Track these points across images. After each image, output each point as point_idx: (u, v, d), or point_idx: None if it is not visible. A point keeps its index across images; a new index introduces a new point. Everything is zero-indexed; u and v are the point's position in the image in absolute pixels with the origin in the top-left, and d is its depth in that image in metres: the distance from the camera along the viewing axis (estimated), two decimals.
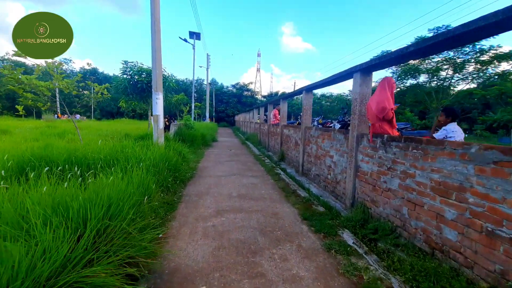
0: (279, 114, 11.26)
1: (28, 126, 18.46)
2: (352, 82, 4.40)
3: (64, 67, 51.73)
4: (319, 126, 9.57)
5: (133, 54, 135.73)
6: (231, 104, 48.36)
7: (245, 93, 51.42)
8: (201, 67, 26.31)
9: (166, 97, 9.98)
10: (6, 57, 42.21)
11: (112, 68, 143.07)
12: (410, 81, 22.31)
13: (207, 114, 26.46)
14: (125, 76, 9.03)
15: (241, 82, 52.86)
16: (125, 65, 8.82)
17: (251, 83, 53.72)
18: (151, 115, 8.76)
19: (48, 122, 21.57)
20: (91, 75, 47.76)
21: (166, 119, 12.24)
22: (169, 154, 5.71)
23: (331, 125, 8.25)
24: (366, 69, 4.08)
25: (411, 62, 18.85)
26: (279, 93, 55.58)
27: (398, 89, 23.04)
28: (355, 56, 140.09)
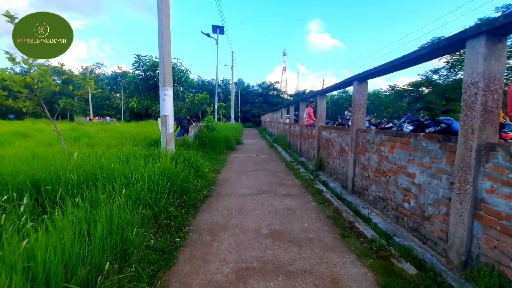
0: (314, 113, 9.52)
1: (51, 129, 18.67)
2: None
3: (97, 71, 54.29)
4: (372, 127, 7.73)
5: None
6: (257, 104, 47.04)
7: (271, 92, 49.78)
8: (225, 65, 25.30)
9: (183, 95, 8.75)
10: (46, 64, 45.00)
11: None
12: None
13: (232, 115, 25.33)
14: (137, 72, 7.94)
15: (267, 81, 51.36)
16: (137, 59, 7.73)
17: (278, 82, 52.01)
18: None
19: (76, 125, 21.84)
20: (122, 78, 49.45)
21: (188, 120, 11.09)
22: (176, 169, 4.31)
23: (387, 125, 6.40)
24: (497, 30, 2.31)
25: None
26: (307, 91, 53.15)
27: None
28: (387, 51, 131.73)
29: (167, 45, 5.08)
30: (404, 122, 5.32)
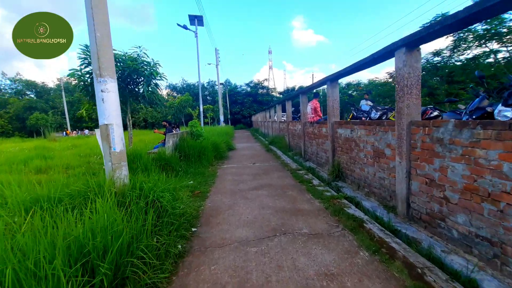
0: (320, 107, 7.72)
1: (20, 147, 16.28)
2: None
3: (74, 82, 50.84)
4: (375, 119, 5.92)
5: None
6: (246, 104, 45.09)
7: (260, 91, 47.91)
8: (209, 64, 23.25)
9: (152, 97, 6.79)
10: (17, 78, 41.74)
11: None
12: None
13: (221, 117, 23.33)
14: (88, 69, 5.90)
15: (255, 80, 49.53)
16: (86, 50, 5.65)
17: (266, 79, 50.14)
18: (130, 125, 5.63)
19: (48, 142, 19.42)
20: None
21: (172, 127, 9.12)
22: (124, 220, 2.38)
23: (432, 114, 4.65)
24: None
25: None
26: (296, 88, 51.59)
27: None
28: (372, 42, 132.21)
29: (101, 7, 3.13)
30: (475, 108, 3.54)
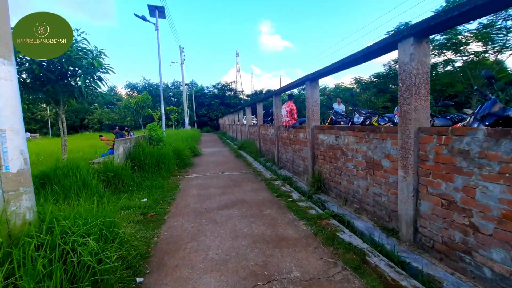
0: (296, 109, 7.06)
1: None
2: None
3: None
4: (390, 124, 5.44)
5: (111, 62, 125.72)
6: (213, 106, 43.61)
7: (228, 93, 46.79)
8: (173, 62, 21.61)
9: (92, 92, 5.48)
10: None
11: None
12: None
13: (186, 120, 21.79)
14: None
15: (223, 81, 48.32)
16: None
17: (234, 82, 49.14)
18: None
19: None
20: None
21: (116, 132, 7.69)
22: None
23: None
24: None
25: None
26: (264, 91, 51.53)
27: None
28: (337, 48, 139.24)
29: None
30: (486, 113, 3.06)
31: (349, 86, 25.69)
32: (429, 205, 2.69)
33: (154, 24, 11.73)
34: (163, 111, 11.07)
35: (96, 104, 37.15)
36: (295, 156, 6.62)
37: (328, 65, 4.56)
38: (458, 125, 4.72)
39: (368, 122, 5.46)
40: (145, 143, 7.68)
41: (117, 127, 7.81)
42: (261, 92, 51.17)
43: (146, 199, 4.83)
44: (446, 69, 16.84)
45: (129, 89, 45.34)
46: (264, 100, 11.00)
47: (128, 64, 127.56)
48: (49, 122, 34.44)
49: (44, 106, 37.61)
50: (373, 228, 3.43)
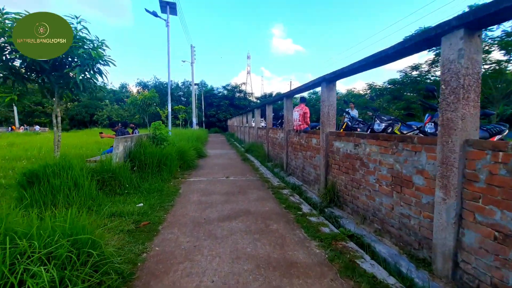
0: (309, 113, 6.58)
1: None
2: None
3: None
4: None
5: (124, 61, 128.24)
6: (222, 107, 43.39)
7: (238, 94, 46.54)
8: (184, 61, 21.44)
9: (90, 85, 5.13)
10: None
11: None
12: None
13: (194, 120, 21.54)
14: None
15: (233, 83, 48.09)
16: None
17: (244, 83, 48.91)
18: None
19: None
20: None
21: (117, 128, 7.36)
22: None
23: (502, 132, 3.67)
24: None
25: None
26: (274, 94, 51.11)
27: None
28: (347, 54, 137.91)
29: None
30: None
31: (362, 92, 24.96)
32: (477, 236, 2.16)
33: (165, 20, 11.48)
34: (170, 109, 10.75)
35: (107, 101, 37.54)
36: (305, 163, 6.12)
37: (350, 64, 4.07)
38: (496, 138, 4.14)
39: (390, 130, 4.92)
40: (148, 142, 7.33)
41: (118, 124, 7.46)
42: (270, 95, 50.74)
43: (142, 204, 4.43)
44: None
45: (140, 87, 45.70)
46: (274, 102, 10.55)
47: (140, 62, 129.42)
48: (59, 116, 34.87)
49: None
50: (398, 255, 2.91)
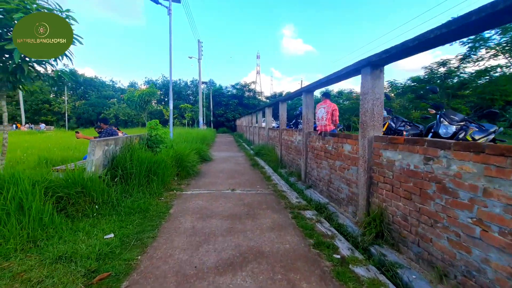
0: (338, 112, 5.20)
1: None
2: None
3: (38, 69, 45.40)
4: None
5: (135, 61, 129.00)
6: (231, 106, 42.21)
7: (247, 94, 45.27)
8: (191, 57, 20.34)
9: (40, 66, 3.90)
10: None
11: (111, 73, 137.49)
12: None
13: (201, 119, 20.39)
14: None
15: (242, 81, 46.82)
16: None
17: (253, 82, 47.55)
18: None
19: None
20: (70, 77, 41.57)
21: (101, 129, 6.14)
22: None
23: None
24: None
25: None
26: (284, 93, 49.61)
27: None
28: (357, 54, 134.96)
29: None
30: None
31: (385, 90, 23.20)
32: None
33: (166, 7, 10.30)
34: (171, 107, 9.56)
35: (115, 99, 36.97)
36: (333, 176, 4.75)
37: (412, 38, 2.69)
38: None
39: (463, 134, 3.50)
40: (140, 145, 6.11)
41: (101, 124, 6.22)
42: (280, 94, 49.24)
43: (112, 235, 3.17)
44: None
45: (148, 86, 45.13)
46: (289, 99, 9.19)
47: (150, 62, 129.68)
48: (66, 114, 34.53)
49: (62, 99, 37.85)
50: None
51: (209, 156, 10.03)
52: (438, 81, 16.74)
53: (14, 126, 25.53)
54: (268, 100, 47.92)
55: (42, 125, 28.52)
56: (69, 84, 41.68)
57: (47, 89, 37.65)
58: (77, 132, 5.87)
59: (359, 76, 3.81)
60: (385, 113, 9.03)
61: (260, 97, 48.16)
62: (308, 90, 6.11)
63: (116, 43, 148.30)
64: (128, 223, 3.54)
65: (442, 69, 16.73)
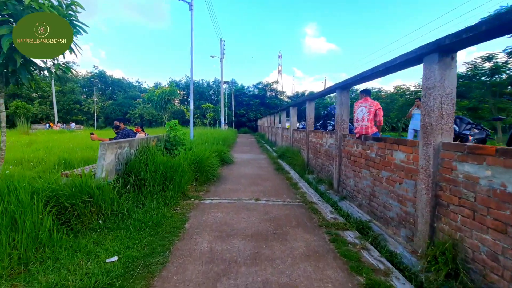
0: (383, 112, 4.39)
1: None
2: None
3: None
4: None
5: (161, 62, 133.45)
6: (252, 106, 41.75)
7: (269, 93, 44.57)
8: (213, 57, 20.08)
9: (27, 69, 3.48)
10: None
11: (138, 74, 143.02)
12: None
13: (222, 119, 20.04)
14: None
15: (264, 81, 46.19)
16: None
17: (276, 82, 46.74)
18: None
19: (13, 135, 16.33)
20: (98, 78, 43.46)
21: (119, 129, 5.78)
22: None
23: None
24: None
25: None
26: (306, 93, 48.29)
27: None
28: (382, 53, 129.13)
29: None
30: None
31: (414, 89, 21.43)
32: None
33: (188, 3, 9.93)
34: (192, 107, 9.16)
35: (140, 100, 37.98)
36: (378, 189, 3.95)
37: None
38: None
39: None
40: (157, 147, 5.69)
41: (119, 123, 5.84)
42: (303, 94, 47.99)
43: (115, 259, 2.66)
44: None
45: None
46: (318, 97, 8.40)
47: (174, 62, 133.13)
48: (95, 114, 36.04)
49: (92, 99, 39.57)
50: None
51: (230, 159, 9.50)
52: (483, 78, 14.95)
53: (47, 125, 26.93)
54: (290, 100, 46.91)
55: (73, 124, 29.90)
56: (99, 85, 43.62)
57: (78, 89, 39.68)
58: (91, 134, 5.55)
59: (389, 76, 3.00)
60: (415, 113, 8.04)
61: (282, 97, 47.27)
62: (344, 86, 5.31)
63: (143, 45, 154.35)
64: (137, 242, 3.03)
65: (487, 64, 14.93)
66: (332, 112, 8.79)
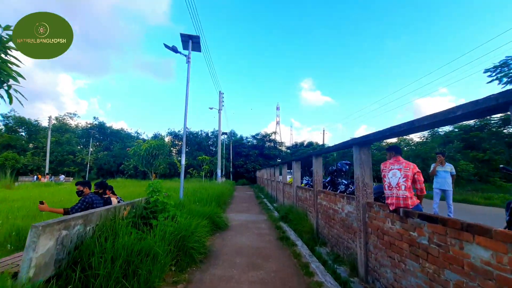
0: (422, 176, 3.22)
1: None
2: None
3: (71, 123, 48.71)
4: None
5: (163, 114, 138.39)
6: (251, 157, 41.03)
7: (268, 144, 44.39)
8: (211, 108, 19.93)
9: None
10: (11, 114, 38.73)
11: (140, 126, 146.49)
12: None
13: (219, 171, 18.88)
14: None
15: (263, 132, 46.48)
16: None
17: (274, 133, 47.04)
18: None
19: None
20: (97, 129, 43.54)
21: (83, 194, 4.54)
22: None
23: None
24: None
25: None
26: (305, 143, 48.28)
27: None
28: (375, 107, 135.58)
29: None
30: None
31: (420, 139, 20.89)
32: None
33: (185, 56, 9.72)
34: (183, 162, 8.11)
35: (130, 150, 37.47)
36: None
37: None
38: None
39: None
40: (127, 219, 4.41)
41: (82, 187, 4.62)
42: (302, 144, 47.89)
43: None
44: None
45: (170, 137, 45.99)
46: (331, 151, 7.44)
47: (175, 114, 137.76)
48: (88, 166, 34.86)
49: (86, 150, 38.91)
50: None
51: (224, 222, 8.05)
52: (493, 129, 14.40)
53: (35, 177, 25.47)
54: (288, 150, 46.49)
55: (62, 177, 28.43)
56: (97, 135, 43.54)
57: (75, 140, 39.34)
58: (41, 203, 4.28)
59: None
60: (444, 171, 7.04)
61: (281, 147, 46.99)
62: (364, 142, 4.31)
63: (147, 99, 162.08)
64: None
65: (497, 115, 14.57)
66: (343, 169, 7.74)
